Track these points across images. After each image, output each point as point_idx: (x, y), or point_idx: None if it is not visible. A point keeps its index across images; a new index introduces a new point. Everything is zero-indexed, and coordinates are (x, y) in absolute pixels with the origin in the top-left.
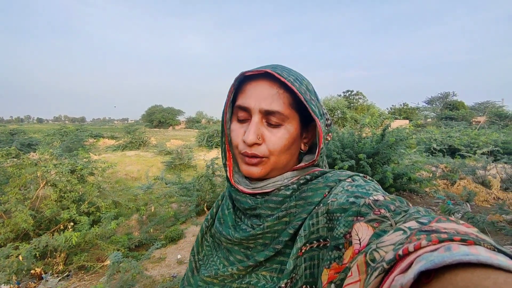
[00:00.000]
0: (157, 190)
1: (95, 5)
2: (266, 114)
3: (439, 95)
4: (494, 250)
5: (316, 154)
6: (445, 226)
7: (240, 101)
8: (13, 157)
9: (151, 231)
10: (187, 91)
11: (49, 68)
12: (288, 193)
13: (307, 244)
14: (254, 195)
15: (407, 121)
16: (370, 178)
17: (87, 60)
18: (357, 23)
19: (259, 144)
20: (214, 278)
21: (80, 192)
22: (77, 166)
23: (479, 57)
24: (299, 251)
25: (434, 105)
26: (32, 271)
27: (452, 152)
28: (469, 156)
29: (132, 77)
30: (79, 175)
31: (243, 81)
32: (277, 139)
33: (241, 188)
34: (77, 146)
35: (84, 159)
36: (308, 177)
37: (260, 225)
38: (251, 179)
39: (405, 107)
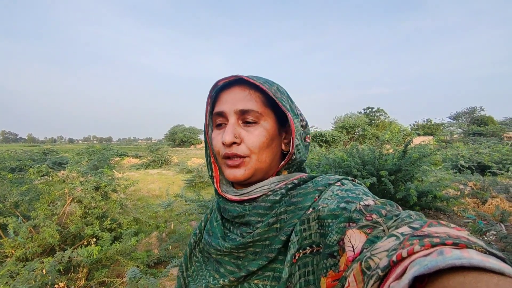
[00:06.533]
0: (177, 208)
1: (126, 33)
2: (242, 114)
3: (465, 110)
4: (485, 253)
5: (291, 146)
6: (436, 230)
7: (217, 108)
8: (44, 175)
9: (170, 248)
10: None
11: (80, 92)
12: (276, 198)
13: (300, 251)
14: (242, 202)
15: (431, 137)
16: (359, 181)
17: (114, 83)
18: (379, 41)
19: (238, 144)
20: None
21: (104, 209)
22: (101, 183)
23: (506, 69)
24: (293, 257)
25: (460, 120)
26: (56, 286)
27: (482, 169)
28: (501, 174)
29: (156, 97)
30: (103, 192)
31: (219, 91)
32: (255, 137)
33: (229, 196)
34: (103, 164)
35: (108, 177)
36: (296, 181)
37: (250, 232)
38: (238, 184)
39: (428, 123)
